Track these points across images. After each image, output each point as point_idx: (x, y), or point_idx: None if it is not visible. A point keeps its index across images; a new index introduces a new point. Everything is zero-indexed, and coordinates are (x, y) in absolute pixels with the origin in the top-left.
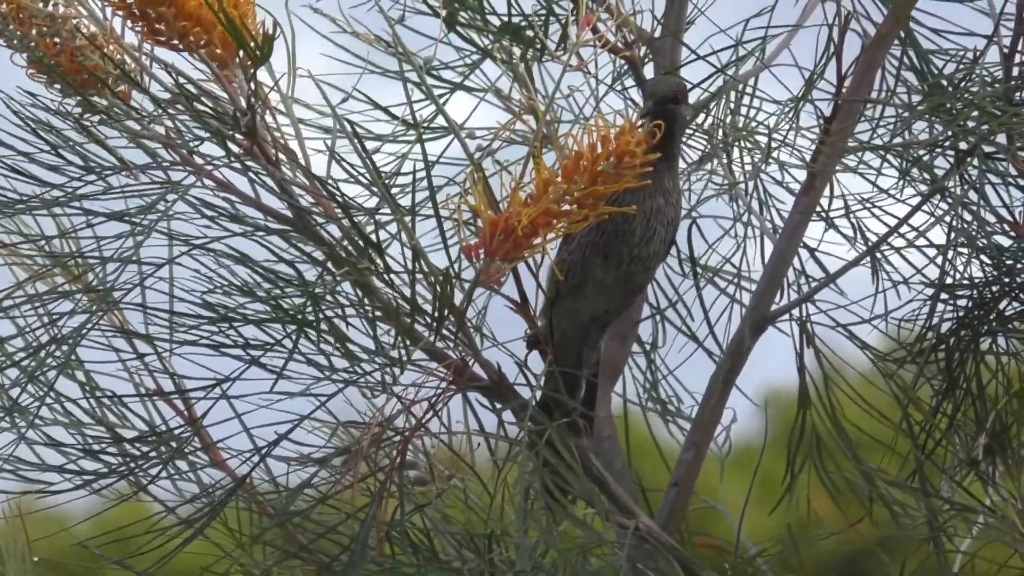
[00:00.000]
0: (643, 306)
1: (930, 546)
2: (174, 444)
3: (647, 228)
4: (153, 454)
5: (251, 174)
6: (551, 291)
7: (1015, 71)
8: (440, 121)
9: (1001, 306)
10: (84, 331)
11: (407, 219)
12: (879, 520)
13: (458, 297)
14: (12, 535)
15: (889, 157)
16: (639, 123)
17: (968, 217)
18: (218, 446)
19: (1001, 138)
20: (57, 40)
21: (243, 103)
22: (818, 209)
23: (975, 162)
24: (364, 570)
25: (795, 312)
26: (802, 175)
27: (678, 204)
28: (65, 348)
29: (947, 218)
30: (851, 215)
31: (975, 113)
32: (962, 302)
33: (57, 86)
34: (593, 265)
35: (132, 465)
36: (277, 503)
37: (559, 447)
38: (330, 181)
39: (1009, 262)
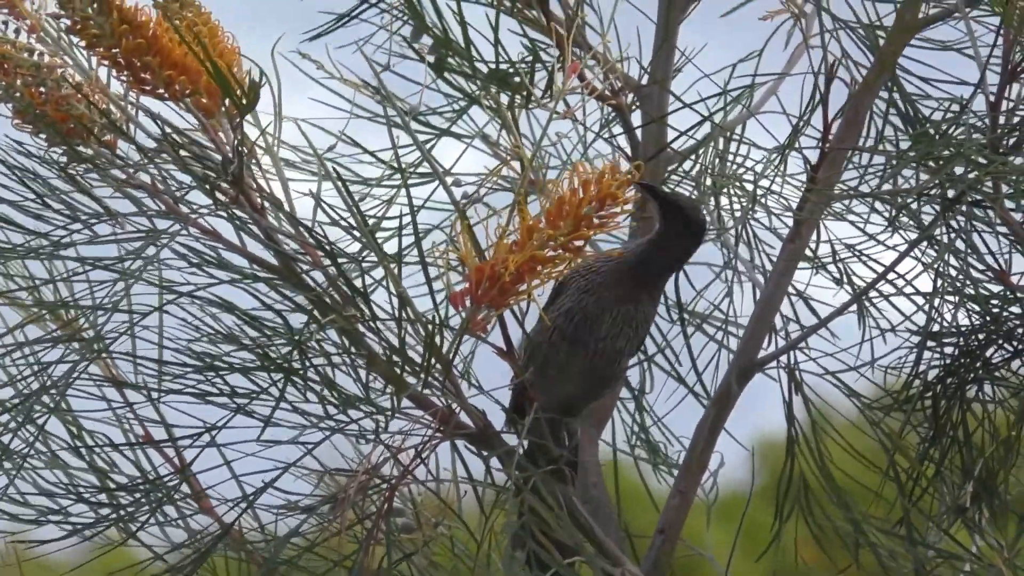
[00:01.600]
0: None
1: None
2: (163, 491)
3: (613, 325)
4: (143, 501)
5: (237, 222)
6: (527, 351)
7: (1001, 119)
8: (426, 167)
9: (988, 354)
10: (72, 378)
11: (393, 266)
12: (866, 567)
13: (445, 344)
14: None
15: (876, 204)
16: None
17: (955, 264)
18: (206, 493)
19: (988, 186)
20: (43, 90)
21: (229, 152)
22: (807, 254)
23: (962, 210)
24: None
25: (783, 359)
26: (789, 221)
27: (648, 316)
28: (54, 393)
29: (934, 265)
30: (838, 262)
31: (962, 161)
32: (949, 350)
33: (43, 135)
34: (559, 350)
35: (122, 512)
36: (266, 551)
37: (545, 495)
38: (316, 228)
39: (995, 310)
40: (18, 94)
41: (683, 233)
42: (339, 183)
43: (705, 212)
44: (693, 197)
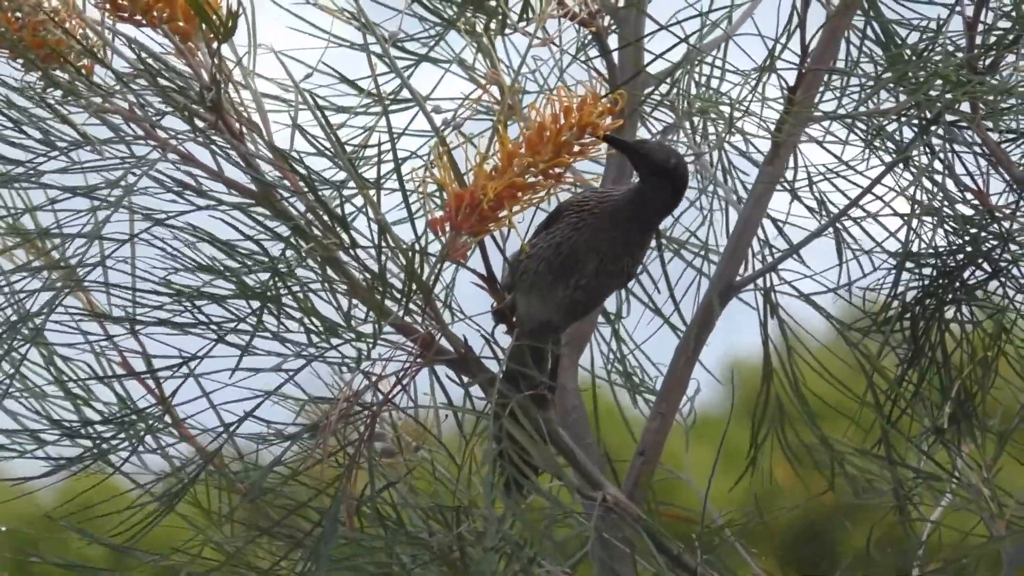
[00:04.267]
0: None
1: (896, 514)
2: (144, 423)
3: (600, 266)
4: (123, 435)
5: (215, 148)
6: (512, 274)
7: (978, 40)
8: (405, 94)
9: (965, 275)
10: (50, 309)
11: (372, 193)
12: (841, 490)
13: (425, 271)
14: None
15: (853, 128)
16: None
17: (932, 186)
18: (187, 423)
19: (965, 107)
20: (19, 15)
21: (207, 78)
22: (782, 180)
23: (940, 131)
24: (335, 544)
25: (760, 282)
26: (766, 145)
27: (636, 259)
28: (31, 327)
29: (911, 187)
30: (814, 186)
31: (939, 82)
32: (927, 271)
33: (19, 61)
34: (543, 279)
35: (103, 446)
36: (248, 480)
37: (524, 420)
38: (295, 154)
39: (973, 231)
40: None
41: (659, 183)
42: (317, 111)
43: (679, 155)
44: (665, 143)
